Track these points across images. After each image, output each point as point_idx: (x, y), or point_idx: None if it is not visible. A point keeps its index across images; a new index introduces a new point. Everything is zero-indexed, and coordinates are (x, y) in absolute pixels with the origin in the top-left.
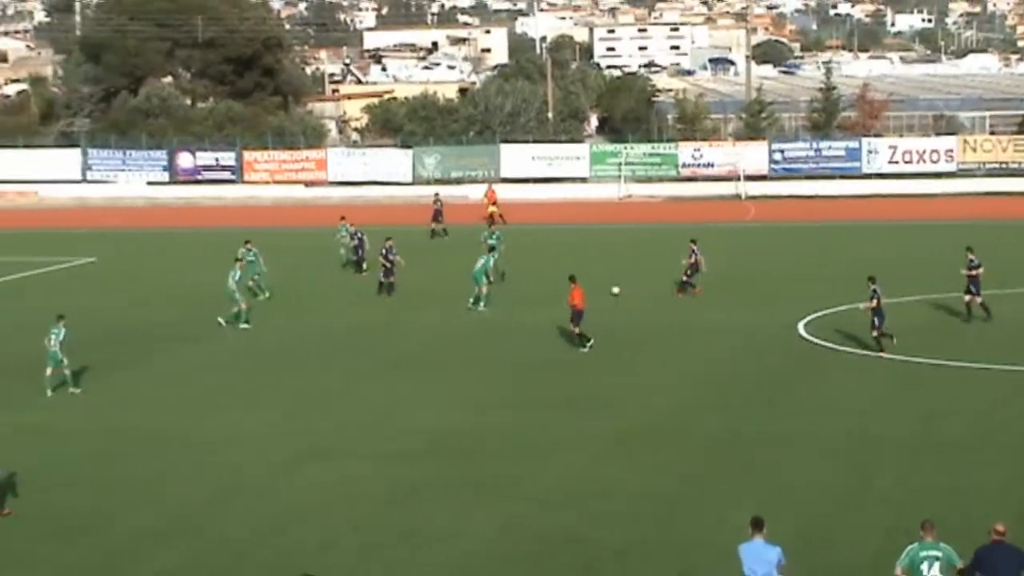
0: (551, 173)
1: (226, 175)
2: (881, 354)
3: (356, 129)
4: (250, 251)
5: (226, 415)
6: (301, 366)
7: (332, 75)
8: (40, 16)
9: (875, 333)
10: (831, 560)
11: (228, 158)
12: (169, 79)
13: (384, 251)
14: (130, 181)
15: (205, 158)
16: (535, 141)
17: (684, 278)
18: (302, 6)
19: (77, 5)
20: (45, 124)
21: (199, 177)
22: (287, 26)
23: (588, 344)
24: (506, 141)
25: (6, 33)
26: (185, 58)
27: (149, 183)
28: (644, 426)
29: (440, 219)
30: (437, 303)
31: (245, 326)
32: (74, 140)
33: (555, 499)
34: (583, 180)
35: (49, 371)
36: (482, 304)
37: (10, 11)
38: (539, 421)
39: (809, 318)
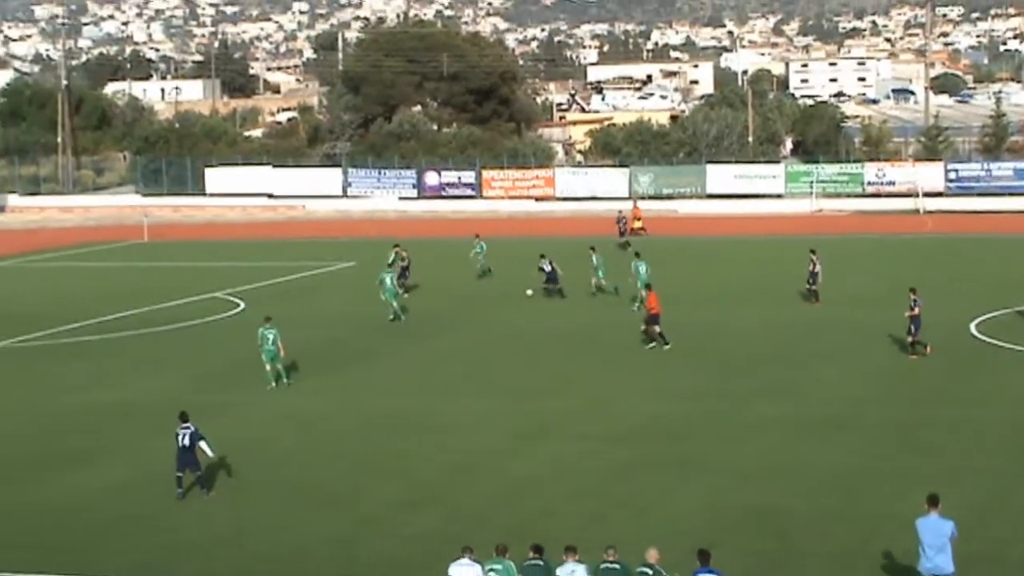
0: (750, 190)
1: (467, 191)
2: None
3: (580, 151)
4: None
5: (464, 400)
6: (529, 358)
7: (559, 104)
8: (308, 53)
9: (910, 338)
10: (996, 535)
11: (469, 176)
12: (418, 107)
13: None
14: (384, 196)
15: (449, 176)
16: (737, 161)
17: (808, 286)
18: (534, 44)
19: (340, 43)
20: (312, 147)
21: (443, 193)
22: (521, 61)
23: (666, 345)
24: (711, 162)
25: (279, 68)
26: (432, 89)
27: (400, 198)
28: (828, 414)
29: (625, 232)
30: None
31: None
32: (336, 161)
33: (752, 475)
34: (779, 196)
35: (268, 367)
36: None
37: (283, 49)
38: (735, 408)
39: (981, 319)
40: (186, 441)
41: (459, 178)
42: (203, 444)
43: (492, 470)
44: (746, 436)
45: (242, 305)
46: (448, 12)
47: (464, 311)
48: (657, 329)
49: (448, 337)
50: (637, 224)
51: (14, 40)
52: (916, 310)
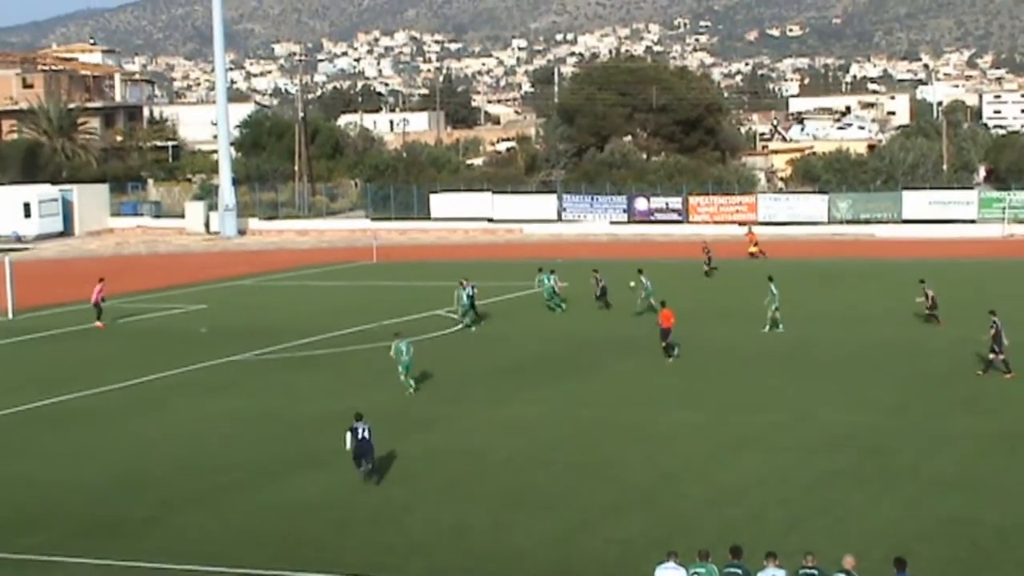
0: (945, 215)
1: (674, 216)
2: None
3: (781, 178)
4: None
5: (672, 412)
6: (733, 373)
7: (762, 134)
8: (526, 87)
9: (991, 357)
10: None
11: (676, 202)
12: (629, 138)
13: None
14: (596, 221)
15: (657, 202)
16: (932, 188)
17: (927, 312)
18: (738, 77)
19: (556, 78)
20: (529, 174)
21: (652, 218)
22: (726, 94)
23: (673, 356)
24: (907, 188)
25: (499, 101)
26: (642, 120)
27: (612, 222)
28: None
29: (711, 261)
30: (842, 324)
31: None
32: (552, 187)
33: (948, 485)
34: (972, 221)
35: (403, 376)
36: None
37: (503, 83)
38: (932, 420)
39: None
40: (365, 434)
41: (667, 204)
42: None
43: (698, 478)
44: (943, 448)
45: (462, 323)
46: (658, 48)
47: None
48: (664, 344)
49: (656, 354)
50: (754, 249)
51: (255, 75)
52: (992, 331)
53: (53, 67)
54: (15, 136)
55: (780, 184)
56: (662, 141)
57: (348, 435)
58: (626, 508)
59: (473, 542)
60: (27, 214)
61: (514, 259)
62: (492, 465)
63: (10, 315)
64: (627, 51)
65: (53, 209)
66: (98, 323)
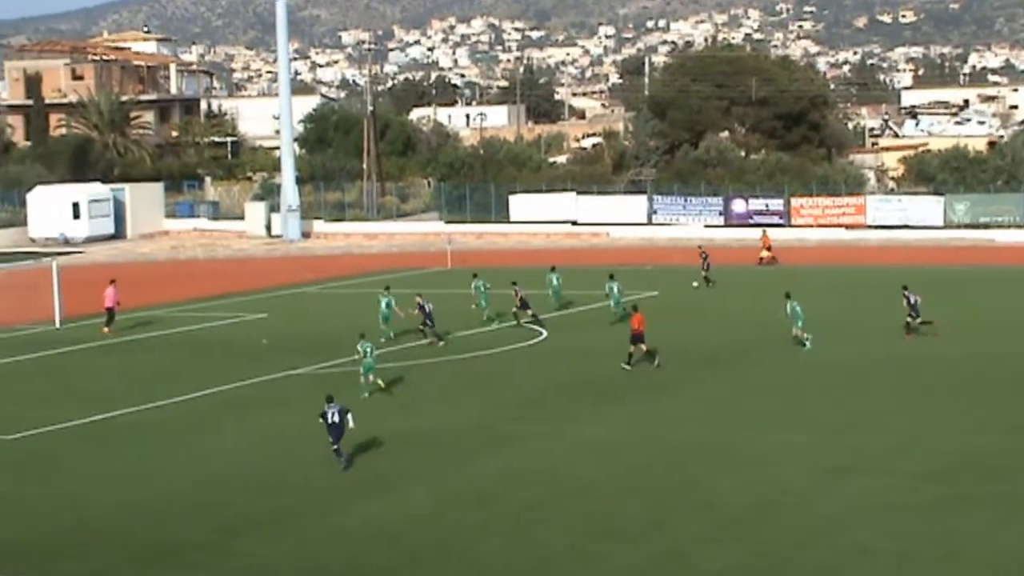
0: None
1: (775, 219)
2: None
3: (892, 178)
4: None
5: (768, 433)
6: (835, 391)
7: (871, 129)
8: (614, 78)
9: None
10: None
11: (776, 204)
12: (726, 133)
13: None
14: (690, 224)
15: (756, 204)
16: None
17: (911, 318)
18: (846, 68)
19: (647, 68)
20: (616, 173)
21: (750, 221)
22: (832, 85)
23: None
24: None
25: (584, 94)
26: (740, 114)
27: (706, 226)
28: None
29: (708, 268)
30: (956, 337)
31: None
32: (641, 187)
33: None
34: None
35: (363, 380)
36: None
37: (588, 74)
38: None
39: None
40: (335, 418)
41: (767, 205)
42: (348, 417)
43: (800, 505)
44: None
45: (544, 333)
46: (758, 36)
47: (766, 342)
48: (643, 348)
49: (749, 369)
50: (766, 254)
51: (321, 66)
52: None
53: (104, 57)
54: (64, 131)
55: (891, 184)
56: (762, 137)
57: (321, 420)
58: (720, 538)
59: (553, 573)
60: (76, 215)
61: (601, 265)
62: (573, 489)
63: (57, 324)
64: (724, 39)
65: (104, 210)
66: (106, 329)
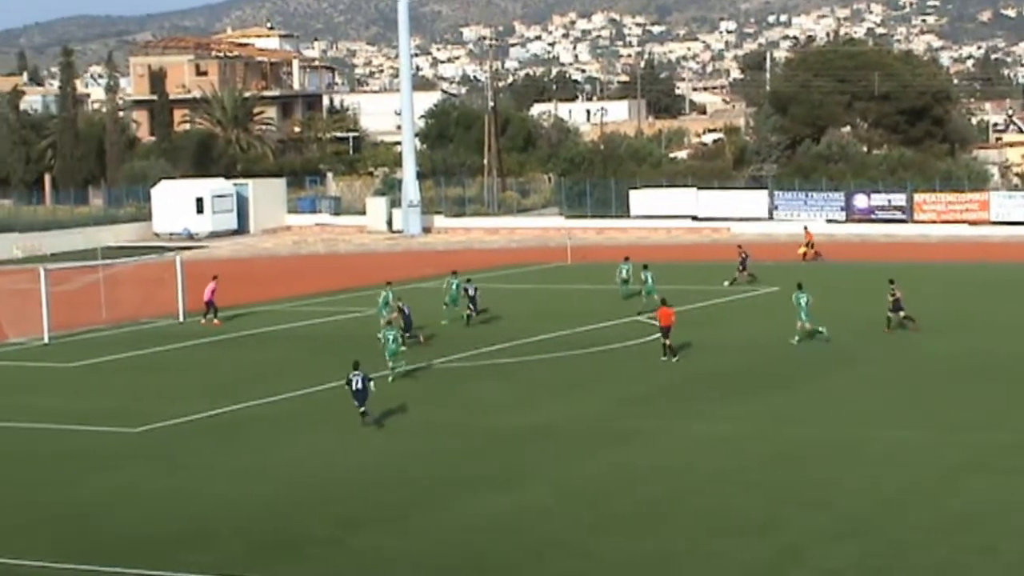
0: None
1: (897, 215)
2: None
3: (1017, 174)
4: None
5: (888, 430)
6: (959, 388)
7: (995, 125)
8: (735, 73)
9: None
10: None
11: (899, 199)
12: (847, 128)
13: None
14: (811, 219)
15: (878, 199)
16: None
17: (889, 313)
18: (969, 62)
19: (768, 63)
20: (737, 168)
21: (872, 216)
22: (955, 80)
23: (675, 358)
24: None
25: (706, 88)
26: (862, 109)
27: (828, 221)
28: None
29: (744, 268)
30: None
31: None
32: (762, 183)
33: None
34: None
35: (390, 363)
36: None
37: (709, 69)
38: None
39: None
40: (359, 384)
41: (889, 201)
42: (371, 384)
43: (923, 503)
44: None
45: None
46: (880, 30)
47: (879, 339)
48: (667, 342)
49: (865, 366)
50: (804, 249)
51: (442, 62)
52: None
53: (228, 53)
54: (188, 127)
55: (1015, 180)
56: (884, 132)
57: (346, 386)
58: (840, 535)
59: (672, 570)
60: (199, 210)
61: (722, 261)
62: (693, 486)
63: (180, 318)
64: (846, 33)
65: (227, 205)
66: (215, 320)
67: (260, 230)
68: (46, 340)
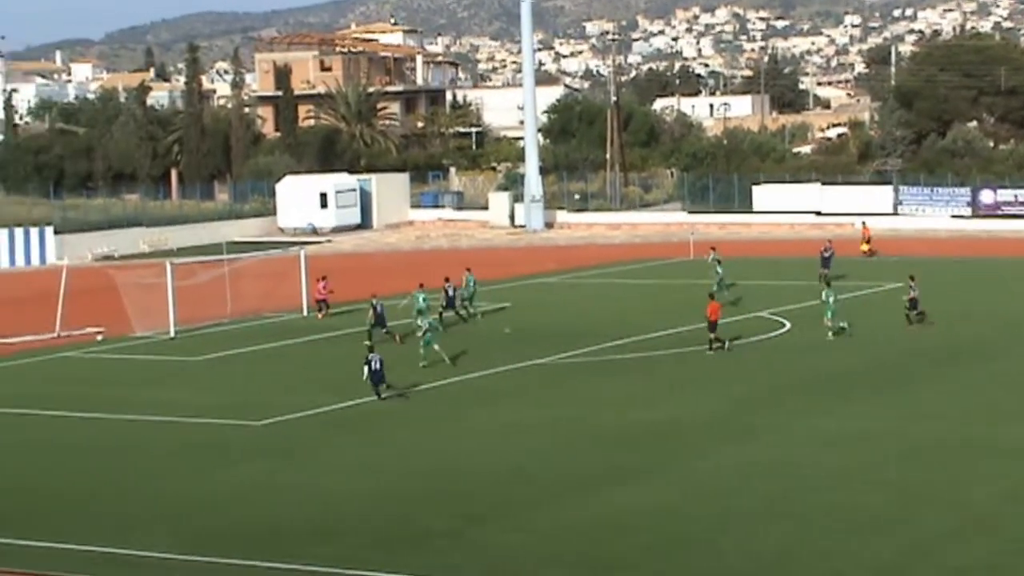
0: None
1: None
2: None
3: None
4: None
5: (1018, 427)
6: None
7: None
8: (860, 68)
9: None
10: None
11: None
12: (974, 123)
13: None
14: (936, 215)
15: (1005, 195)
16: None
17: (906, 310)
18: None
19: (893, 57)
20: (861, 163)
21: (999, 212)
22: None
23: (723, 346)
24: None
25: (830, 83)
26: (989, 104)
27: (953, 216)
28: None
29: (829, 267)
30: None
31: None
32: (887, 178)
33: None
34: None
35: (423, 350)
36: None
37: (834, 63)
38: None
39: None
40: (376, 365)
41: (1015, 196)
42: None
43: None
44: None
45: (787, 325)
46: (1007, 24)
47: (1000, 336)
48: (712, 335)
49: (989, 363)
50: (866, 247)
51: (565, 56)
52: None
53: (352, 49)
54: (312, 122)
55: None
56: (1011, 127)
57: (365, 367)
58: (966, 533)
59: (793, 568)
60: (323, 205)
61: (846, 257)
62: (815, 483)
63: (304, 312)
64: (973, 28)
65: (351, 200)
66: (319, 315)
67: (383, 225)
68: (172, 334)
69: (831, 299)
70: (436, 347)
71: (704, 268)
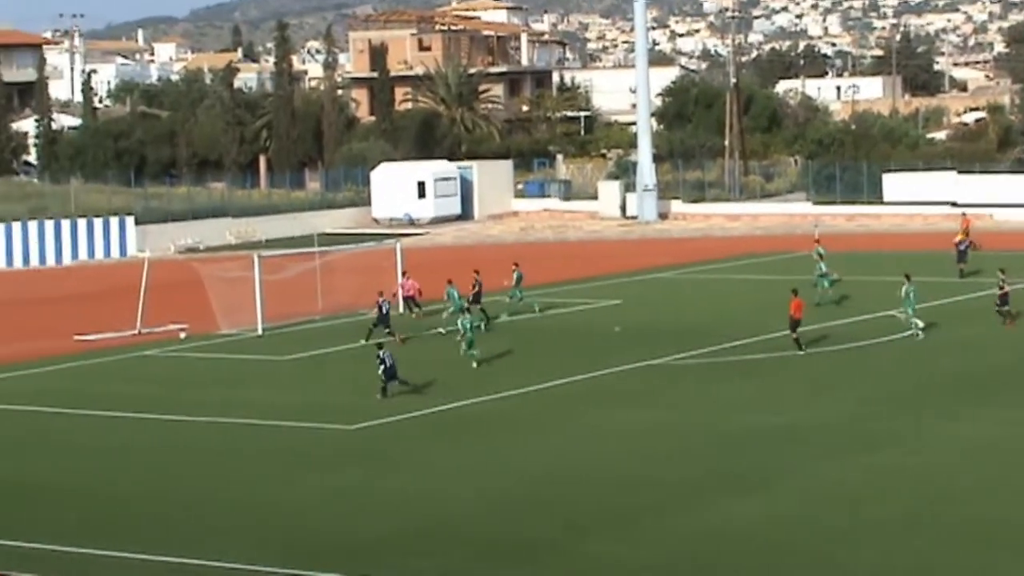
0: None
1: None
2: None
3: None
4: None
5: None
6: None
7: None
8: (1000, 47)
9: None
10: None
11: None
12: None
13: None
14: None
15: None
16: None
17: (996, 305)
18: None
19: None
20: (1001, 150)
21: None
22: None
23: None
24: None
25: (967, 64)
26: None
27: None
28: None
29: (965, 260)
30: None
31: None
32: None
33: None
34: None
35: (463, 351)
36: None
37: (971, 42)
38: None
39: None
40: (390, 361)
41: None
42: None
43: None
44: None
45: (920, 323)
46: None
47: None
48: (793, 335)
49: None
50: (961, 237)
51: (681, 35)
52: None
53: (452, 27)
54: (409, 105)
55: None
56: None
57: (380, 365)
58: None
59: None
60: (421, 194)
61: (986, 252)
62: (951, 494)
63: (400, 308)
64: None
65: (450, 189)
66: (413, 314)
67: (485, 216)
68: (259, 331)
69: (911, 294)
70: (474, 352)
71: (831, 263)
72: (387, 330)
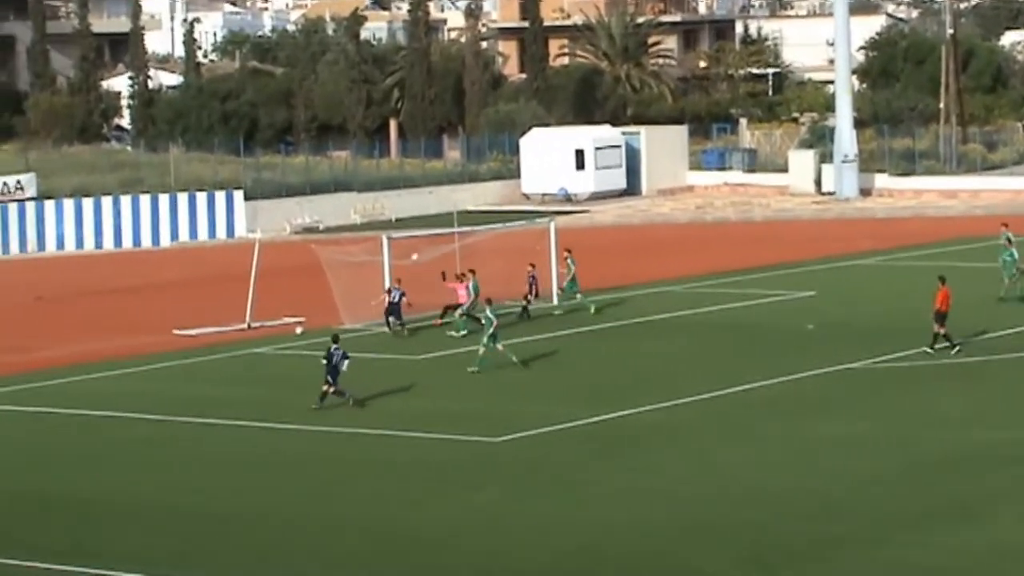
0: None
1: None
2: None
3: None
4: None
5: None
6: None
7: None
8: None
9: None
10: None
11: None
12: None
13: None
14: None
15: None
16: None
17: None
18: None
19: None
20: None
21: None
22: None
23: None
24: None
25: None
26: None
27: None
28: None
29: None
30: None
31: None
32: None
33: None
34: None
35: (482, 349)
36: None
37: None
38: None
39: None
40: (337, 360)
41: None
42: (346, 362)
43: None
44: None
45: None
46: None
47: None
48: (938, 329)
49: None
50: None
51: None
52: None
53: None
54: (566, 61)
55: None
56: None
57: (323, 361)
58: None
59: None
60: (579, 165)
61: None
62: None
63: (555, 300)
64: None
65: (614, 159)
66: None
67: (654, 191)
68: (387, 327)
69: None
70: (500, 347)
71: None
72: (400, 323)
